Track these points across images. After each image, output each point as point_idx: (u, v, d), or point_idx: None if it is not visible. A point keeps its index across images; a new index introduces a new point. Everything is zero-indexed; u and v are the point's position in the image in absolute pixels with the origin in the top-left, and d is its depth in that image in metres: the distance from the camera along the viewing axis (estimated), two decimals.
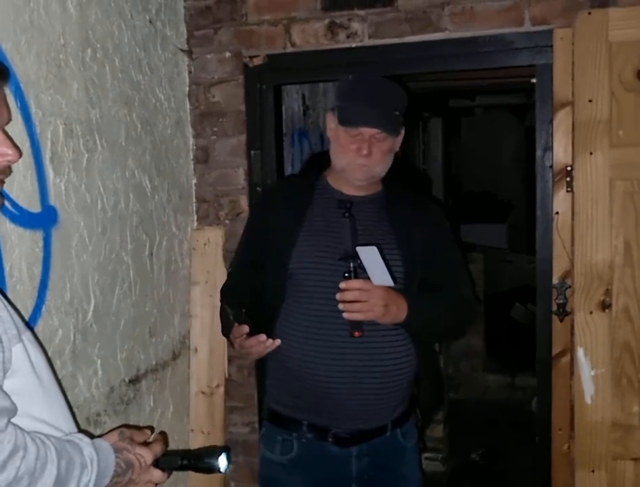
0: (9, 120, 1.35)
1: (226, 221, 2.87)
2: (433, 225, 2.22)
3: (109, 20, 2.33)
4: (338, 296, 1.95)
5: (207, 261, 2.81)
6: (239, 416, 2.93)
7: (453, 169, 8.70)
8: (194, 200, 2.93)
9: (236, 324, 2.00)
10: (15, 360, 1.23)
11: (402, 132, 2.16)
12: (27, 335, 1.29)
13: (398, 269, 2.04)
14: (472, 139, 9.14)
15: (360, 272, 1.95)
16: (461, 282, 2.26)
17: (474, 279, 5.34)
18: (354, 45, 2.71)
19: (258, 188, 2.83)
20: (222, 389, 2.86)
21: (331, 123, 2.14)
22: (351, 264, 1.95)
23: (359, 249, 1.91)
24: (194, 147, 2.90)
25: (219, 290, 2.37)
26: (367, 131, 2.04)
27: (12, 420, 1.19)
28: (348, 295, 1.94)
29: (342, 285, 1.94)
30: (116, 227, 2.34)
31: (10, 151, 1.31)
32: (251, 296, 2.16)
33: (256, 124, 2.83)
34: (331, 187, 2.19)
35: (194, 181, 2.92)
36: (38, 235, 1.96)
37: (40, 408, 1.30)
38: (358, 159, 2.06)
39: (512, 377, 5.49)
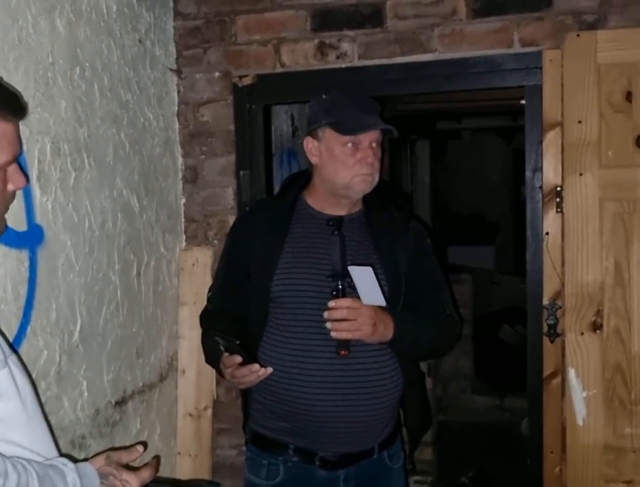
0: (22, 152, 1.44)
1: (215, 241, 2.84)
2: (415, 244, 2.21)
3: (99, 39, 2.31)
4: (326, 314, 1.93)
5: (195, 281, 2.78)
6: (226, 438, 2.89)
7: (441, 191, 8.72)
8: (182, 220, 2.90)
9: (226, 354, 1.97)
10: (1, 385, 1.20)
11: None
12: (12, 358, 1.27)
13: (383, 289, 2.02)
14: (459, 161, 9.17)
15: (348, 291, 1.94)
16: (443, 300, 2.25)
17: (463, 300, 5.37)
18: (343, 66, 2.72)
19: (247, 208, 2.81)
20: (209, 412, 2.82)
21: (321, 144, 2.11)
22: (339, 283, 1.93)
23: (352, 269, 1.90)
24: (183, 167, 2.89)
25: (200, 315, 2.33)
26: (367, 138, 2.04)
27: None
28: (337, 314, 1.92)
29: (331, 303, 1.92)
30: (103, 247, 2.31)
31: (23, 180, 1.38)
32: (233, 321, 2.15)
33: (245, 144, 2.82)
34: (312, 208, 2.17)
35: (183, 201, 2.90)
36: (24, 254, 1.94)
37: (21, 433, 1.27)
38: (363, 169, 2.05)
39: (501, 398, 5.48)
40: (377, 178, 2.10)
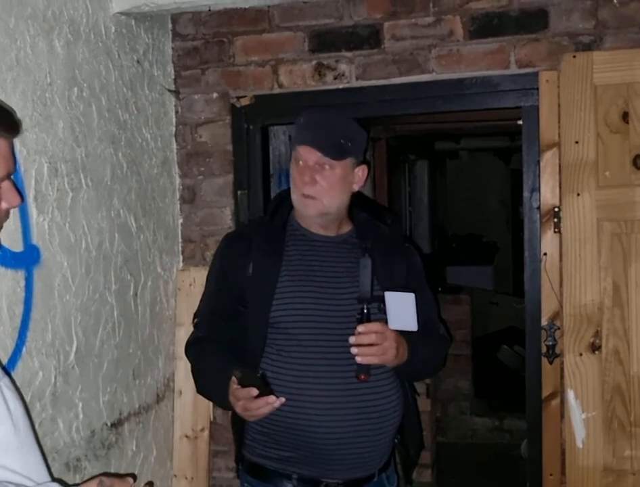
0: (16, 169, 1.42)
1: None
2: (408, 263, 2.20)
3: (97, 60, 2.32)
4: (353, 339, 1.89)
5: (193, 302, 2.74)
6: (223, 460, 2.86)
7: (439, 211, 8.72)
8: (180, 240, 2.90)
9: (235, 385, 1.88)
10: None
11: (361, 168, 2.10)
12: (5, 381, 1.26)
13: (418, 315, 1.99)
14: (458, 182, 9.18)
15: (373, 314, 1.92)
16: (436, 320, 2.25)
17: (462, 320, 5.35)
18: (341, 86, 2.72)
19: (235, 229, 2.80)
20: (206, 433, 2.80)
21: None
22: (365, 307, 1.92)
23: (389, 294, 1.89)
24: (180, 187, 2.89)
25: (186, 343, 2.22)
26: (309, 158, 2.00)
27: None
28: (365, 339, 1.89)
29: (361, 328, 1.89)
30: (100, 267, 2.31)
31: (18, 198, 1.38)
32: (226, 348, 2.06)
33: (243, 164, 2.83)
34: (303, 228, 2.13)
35: (180, 221, 2.89)
36: (20, 275, 1.93)
37: (12, 457, 1.25)
38: (303, 188, 2.02)
39: (500, 419, 5.44)
40: (325, 201, 2.02)
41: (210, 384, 2.08)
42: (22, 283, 1.93)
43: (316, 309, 2.02)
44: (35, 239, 1.99)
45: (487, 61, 2.62)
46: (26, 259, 1.96)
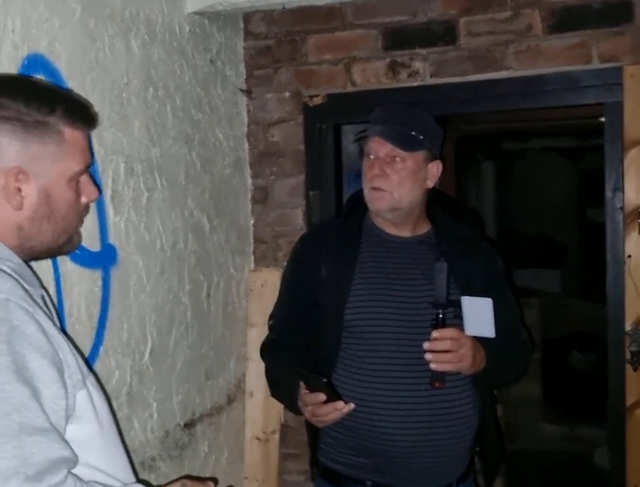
0: (93, 162, 1.44)
1: (285, 263, 2.78)
2: (488, 267, 2.11)
3: (171, 59, 2.32)
4: (427, 345, 1.84)
5: (264, 303, 2.74)
6: (294, 463, 2.83)
7: (506, 212, 8.57)
8: (252, 241, 2.88)
9: (304, 390, 1.86)
10: (79, 407, 1.18)
11: (435, 164, 2.04)
12: (90, 379, 1.25)
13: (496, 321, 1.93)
14: (525, 182, 9.00)
15: (449, 320, 1.87)
16: (518, 326, 2.17)
17: (532, 324, 5.21)
18: (415, 84, 2.67)
19: (310, 230, 2.77)
20: (277, 436, 2.78)
21: None
22: (441, 312, 1.86)
23: (466, 299, 1.84)
24: (252, 187, 2.87)
25: (261, 346, 2.23)
26: (379, 150, 1.96)
27: None
28: (440, 345, 1.84)
29: (435, 333, 1.84)
30: (174, 267, 2.30)
31: (96, 192, 1.37)
32: (301, 351, 2.04)
33: (315, 164, 2.79)
34: (379, 229, 2.08)
35: (252, 222, 2.87)
36: (97, 274, 1.94)
37: (97, 456, 1.24)
38: (373, 181, 1.97)
39: (571, 427, 5.28)
40: (396, 194, 1.97)
41: (281, 388, 2.07)
42: (99, 283, 1.94)
43: (391, 313, 1.97)
44: (112, 239, 2.00)
45: (567, 56, 2.53)
46: (104, 259, 1.97)
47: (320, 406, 1.82)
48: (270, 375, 2.14)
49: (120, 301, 2.02)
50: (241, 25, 2.82)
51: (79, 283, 1.84)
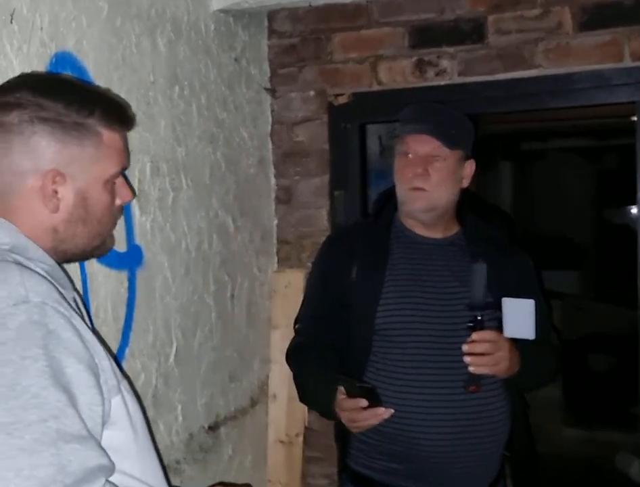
0: (129, 165, 1.41)
1: (308, 264, 2.75)
2: (519, 270, 2.08)
3: (197, 58, 2.30)
4: (465, 348, 1.81)
5: (288, 304, 2.71)
6: (318, 467, 2.80)
7: (523, 212, 8.51)
8: (275, 241, 2.85)
9: (342, 396, 1.83)
10: (114, 413, 1.15)
11: (470, 163, 2.02)
12: (124, 384, 1.22)
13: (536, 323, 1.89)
14: (542, 182, 8.93)
15: (486, 322, 1.83)
16: (549, 330, 2.13)
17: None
18: (442, 83, 2.62)
19: (337, 231, 2.73)
20: (301, 439, 2.74)
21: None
22: (479, 314, 1.82)
23: (507, 300, 1.81)
24: (276, 187, 2.84)
25: (287, 350, 2.19)
26: (419, 149, 1.91)
27: None
28: (478, 348, 1.81)
29: (474, 336, 1.81)
30: (199, 268, 2.27)
31: (130, 194, 1.36)
32: (329, 353, 2.01)
33: (340, 164, 2.75)
34: (408, 230, 2.04)
35: (275, 222, 2.84)
36: (123, 275, 1.91)
37: (132, 463, 1.21)
38: (413, 181, 1.92)
39: (592, 430, 5.22)
40: (435, 195, 1.93)
41: (314, 393, 2.03)
42: (125, 284, 1.91)
43: (423, 316, 1.93)
44: (138, 240, 1.97)
45: (598, 54, 2.48)
46: (130, 260, 1.94)
47: (359, 412, 1.80)
48: (300, 379, 2.10)
49: (145, 302, 1.99)
50: (266, 23, 2.78)
51: (105, 284, 1.82)
